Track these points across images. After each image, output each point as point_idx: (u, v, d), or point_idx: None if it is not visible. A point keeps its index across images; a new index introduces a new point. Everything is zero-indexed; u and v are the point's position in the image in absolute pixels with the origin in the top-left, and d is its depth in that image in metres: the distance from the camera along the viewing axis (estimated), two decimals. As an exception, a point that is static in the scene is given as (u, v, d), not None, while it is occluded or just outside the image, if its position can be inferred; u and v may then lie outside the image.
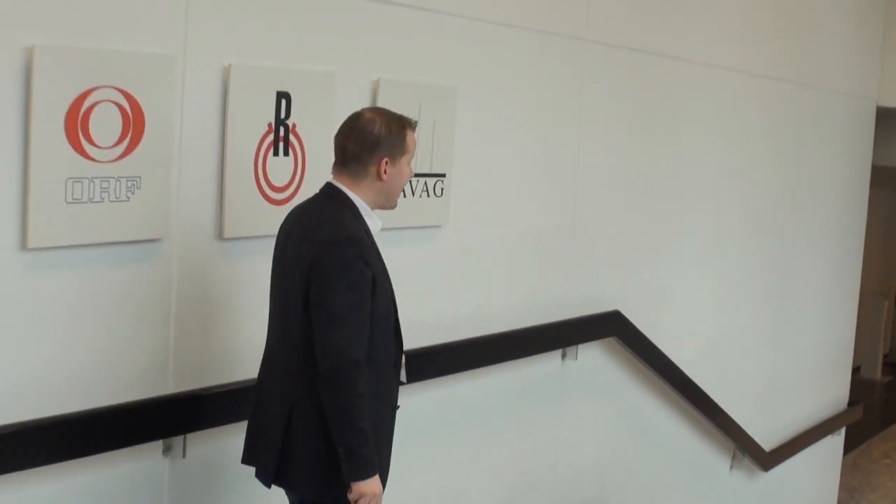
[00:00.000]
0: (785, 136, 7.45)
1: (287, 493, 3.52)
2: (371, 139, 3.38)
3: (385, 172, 3.39)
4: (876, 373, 15.43)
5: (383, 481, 3.40)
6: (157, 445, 3.53)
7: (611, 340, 5.79)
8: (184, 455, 3.56)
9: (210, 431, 3.65)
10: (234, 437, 3.74)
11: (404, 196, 4.33)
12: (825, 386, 8.80)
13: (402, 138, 3.42)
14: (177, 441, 3.55)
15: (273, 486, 3.43)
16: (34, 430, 3.15)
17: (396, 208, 3.57)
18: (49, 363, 3.23)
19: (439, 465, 4.54)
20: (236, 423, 3.69)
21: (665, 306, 6.37)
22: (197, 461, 3.63)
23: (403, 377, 3.58)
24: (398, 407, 3.54)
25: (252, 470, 3.56)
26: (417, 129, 3.55)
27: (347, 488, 3.26)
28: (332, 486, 3.29)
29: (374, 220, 3.44)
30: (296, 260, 3.31)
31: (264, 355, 3.47)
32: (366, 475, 3.24)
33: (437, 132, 4.42)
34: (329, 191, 3.42)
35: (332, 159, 3.89)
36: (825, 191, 8.22)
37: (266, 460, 3.39)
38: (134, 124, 3.31)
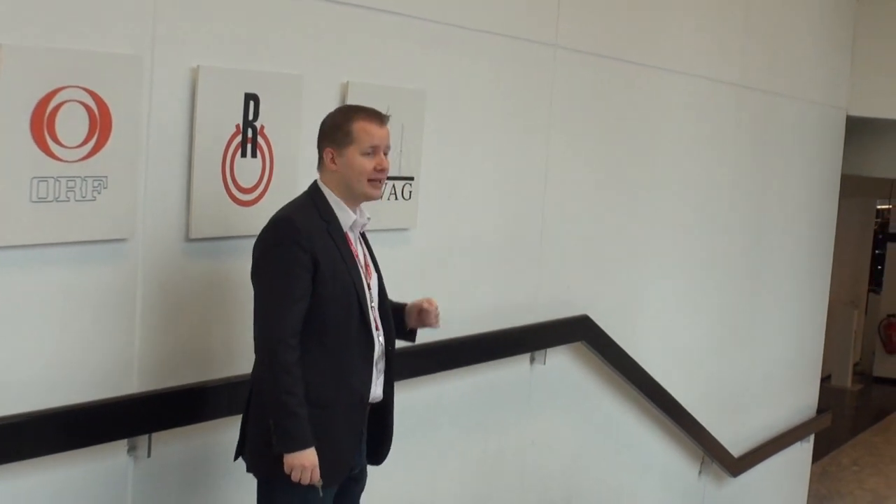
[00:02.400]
0: (755, 143, 7.50)
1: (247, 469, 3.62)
2: (320, 130, 3.55)
3: (333, 162, 3.50)
4: (847, 381, 15.53)
5: (340, 468, 3.53)
6: (122, 445, 3.52)
7: (579, 345, 5.81)
8: (148, 454, 3.56)
9: (175, 431, 3.65)
10: (199, 436, 3.75)
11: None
12: (794, 393, 8.85)
13: (347, 128, 3.49)
14: (141, 440, 3.55)
15: (243, 488, 3.62)
16: (-3, 428, 3.15)
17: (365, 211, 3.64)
18: (12, 362, 3.23)
19: (405, 468, 4.55)
20: (201, 422, 3.71)
21: (634, 311, 6.40)
22: (162, 461, 3.63)
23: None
24: (373, 400, 3.61)
25: (217, 469, 3.60)
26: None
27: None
28: (264, 459, 3.44)
29: (346, 213, 3.53)
30: None
31: None
32: (292, 448, 3.36)
33: (406, 136, 4.44)
34: (310, 185, 3.58)
35: (300, 161, 3.94)
36: (795, 199, 8.28)
37: (239, 436, 3.58)
38: (101, 124, 3.32)
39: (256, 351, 3.41)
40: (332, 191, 3.52)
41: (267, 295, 3.40)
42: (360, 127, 3.48)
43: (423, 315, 3.75)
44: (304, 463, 3.36)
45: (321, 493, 3.44)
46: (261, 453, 3.45)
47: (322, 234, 3.44)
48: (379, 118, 3.54)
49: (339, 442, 3.50)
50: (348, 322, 3.48)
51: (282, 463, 3.37)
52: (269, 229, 3.45)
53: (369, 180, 3.51)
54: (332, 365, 3.46)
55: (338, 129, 3.50)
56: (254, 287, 3.44)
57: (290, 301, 3.37)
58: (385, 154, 3.55)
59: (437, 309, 3.76)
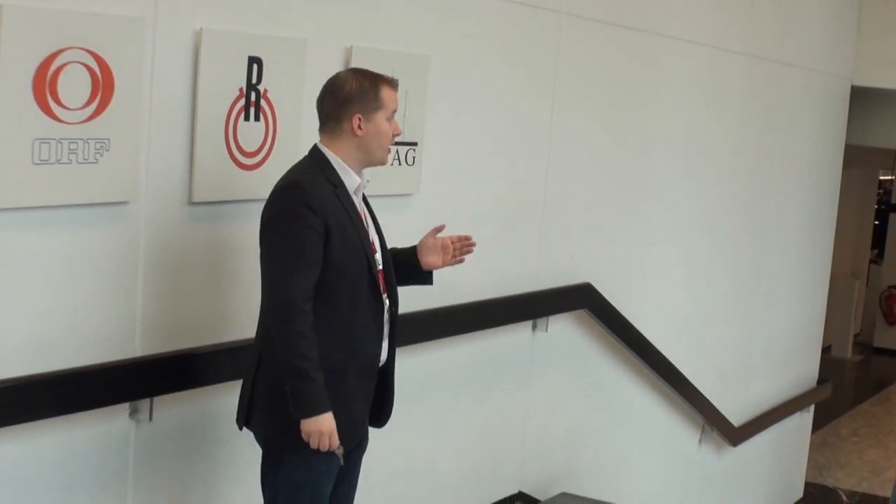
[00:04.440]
0: (759, 112, 7.48)
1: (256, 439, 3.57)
2: (343, 96, 3.46)
3: (360, 128, 3.46)
4: (847, 352, 15.56)
5: (353, 433, 3.49)
6: (124, 408, 3.52)
7: (581, 313, 5.81)
8: (150, 418, 3.56)
9: (177, 395, 3.65)
10: (200, 400, 3.75)
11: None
12: (795, 363, 8.86)
13: (376, 94, 3.46)
14: (143, 404, 3.55)
15: (244, 452, 3.56)
16: (-1, 390, 3.15)
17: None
18: (14, 324, 3.22)
19: (407, 434, 4.56)
20: (203, 386, 3.70)
21: (637, 280, 6.39)
22: (163, 424, 3.63)
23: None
24: (382, 364, 3.59)
25: (218, 433, 3.59)
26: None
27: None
28: (274, 427, 3.41)
29: (352, 177, 3.50)
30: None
31: None
32: (309, 413, 3.30)
33: (410, 101, 4.41)
34: (311, 150, 3.52)
35: (304, 125, 3.91)
36: (798, 169, 8.26)
37: (240, 404, 3.51)
38: (103, 86, 3.29)
39: (266, 317, 3.38)
40: (340, 155, 3.47)
41: (279, 260, 3.34)
42: (387, 93, 3.49)
43: (447, 252, 3.75)
44: (322, 429, 3.29)
45: (342, 461, 3.41)
46: (272, 422, 3.42)
47: (331, 197, 3.40)
48: (395, 84, 3.55)
49: (352, 407, 3.46)
50: (359, 286, 3.45)
51: (292, 431, 3.32)
52: (278, 193, 3.40)
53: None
54: (343, 329, 3.42)
55: (366, 94, 3.46)
56: (262, 253, 3.39)
57: (302, 265, 3.32)
58: None
59: (460, 241, 3.79)
